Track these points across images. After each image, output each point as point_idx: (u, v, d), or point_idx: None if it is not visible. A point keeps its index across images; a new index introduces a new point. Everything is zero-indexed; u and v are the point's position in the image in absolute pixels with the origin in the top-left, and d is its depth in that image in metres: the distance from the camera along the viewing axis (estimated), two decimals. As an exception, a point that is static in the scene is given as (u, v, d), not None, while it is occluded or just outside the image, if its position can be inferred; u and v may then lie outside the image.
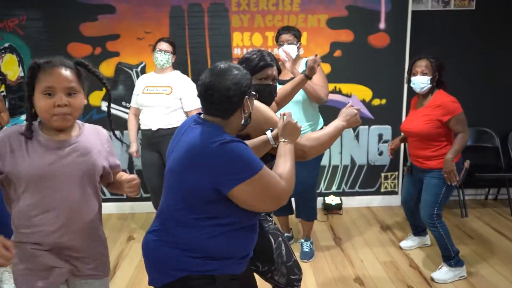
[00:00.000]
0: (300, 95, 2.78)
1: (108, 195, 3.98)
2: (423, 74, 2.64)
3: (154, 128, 3.17)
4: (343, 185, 4.06)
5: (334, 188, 4.05)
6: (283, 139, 1.55)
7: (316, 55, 2.44)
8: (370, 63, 3.78)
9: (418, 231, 3.16)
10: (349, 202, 4.04)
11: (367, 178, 4.04)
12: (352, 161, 4.01)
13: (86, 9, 3.61)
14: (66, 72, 1.40)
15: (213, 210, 1.40)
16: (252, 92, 1.52)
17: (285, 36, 2.85)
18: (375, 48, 3.76)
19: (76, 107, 1.44)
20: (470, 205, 4.02)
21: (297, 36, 2.89)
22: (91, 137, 1.56)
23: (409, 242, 3.18)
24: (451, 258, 2.72)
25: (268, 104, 1.86)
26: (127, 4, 3.62)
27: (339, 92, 3.85)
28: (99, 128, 1.66)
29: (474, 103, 3.91)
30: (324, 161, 3.95)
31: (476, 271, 2.85)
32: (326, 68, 3.77)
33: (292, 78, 2.63)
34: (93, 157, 1.52)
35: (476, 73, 3.94)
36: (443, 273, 2.74)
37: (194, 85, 3.19)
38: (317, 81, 2.80)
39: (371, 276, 2.83)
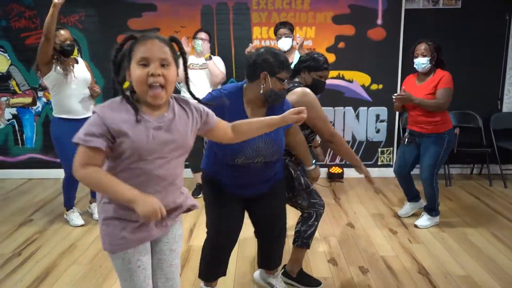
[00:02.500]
0: None
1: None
2: (423, 55, 3.18)
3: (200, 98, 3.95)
4: (345, 158, 4.74)
5: (337, 161, 4.74)
6: None
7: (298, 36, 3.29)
8: (369, 54, 4.44)
9: (412, 197, 3.61)
10: (350, 173, 4.71)
11: (366, 153, 4.71)
12: (353, 138, 4.69)
13: (133, 7, 4.40)
14: (160, 44, 1.39)
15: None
16: (279, 76, 1.91)
17: (282, 30, 3.56)
18: (374, 40, 4.43)
19: (170, 79, 1.40)
20: (456, 178, 4.65)
21: (292, 30, 3.59)
22: (180, 110, 1.53)
23: (405, 210, 3.63)
24: (433, 209, 3.36)
25: (316, 94, 2.39)
26: (167, 3, 4.39)
27: (342, 78, 4.53)
28: (184, 98, 1.61)
29: (460, 90, 4.51)
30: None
31: (448, 222, 3.49)
32: (331, 57, 4.46)
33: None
34: (185, 130, 1.51)
35: (461, 65, 4.55)
36: (424, 220, 3.38)
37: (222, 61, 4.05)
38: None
39: (361, 222, 3.51)
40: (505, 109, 4.68)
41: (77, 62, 3.39)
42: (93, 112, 1.38)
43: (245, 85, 2.02)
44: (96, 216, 3.59)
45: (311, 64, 2.40)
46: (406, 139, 3.42)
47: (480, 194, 4.17)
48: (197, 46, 3.93)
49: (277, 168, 2.18)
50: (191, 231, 3.38)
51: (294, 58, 3.57)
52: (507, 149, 4.49)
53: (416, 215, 3.55)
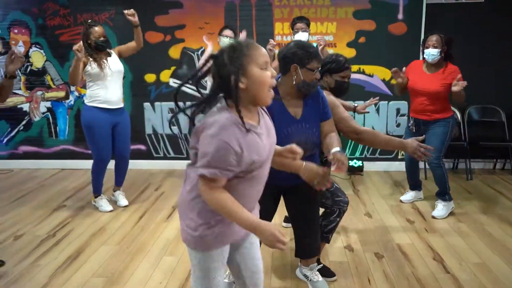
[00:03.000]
0: None
1: (172, 154, 4.96)
2: (434, 47, 3.29)
3: None
4: (365, 152, 4.80)
5: (357, 154, 4.81)
6: None
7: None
8: (390, 48, 4.48)
9: (416, 185, 3.77)
10: (370, 166, 4.77)
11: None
12: (373, 132, 4.73)
13: (160, 5, 4.59)
14: None
15: None
16: (309, 67, 1.98)
17: (299, 25, 3.65)
18: (394, 35, 4.47)
19: None
20: (478, 173, 4.63)
21: (308, 24, 3.68)
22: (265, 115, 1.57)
23: (408, 196, 3.79)
24: (446, 193, 3.44)
25: (340, 96, 2.50)
26: (192, 0, 4.55)
27: (363, 72, 4.59)
28: None
29: (483, 84, 4.53)
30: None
31: (466, 212, 3.52)
32: (352, 52, 4.53)
33: None
34: (271, 130, 1.57)
35: (484, 59, 4.53)
36: (440, 209, 3.45)
37: None
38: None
39: (379, 212, 3.58)
40: (529, 103, 4.63)
41: (109, 55, 3.58)
42: (213, 137, 1.35)
43: (279, 79, 2.11)
44: (121, 203, 3.79)
45: (332, 66, 2.47)
46: (413, 127, 3.53)
47: (502, 188, 4.16)
48: (222, 43, 4.07)
49: (313, 161, 2.21)
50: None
51: None
52: (531, 144, 4.44)
53: (432, 207, 3.58)
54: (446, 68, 3.33)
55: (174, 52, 4.70)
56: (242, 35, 4.10)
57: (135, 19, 3.59)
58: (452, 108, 3.55)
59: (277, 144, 1.64)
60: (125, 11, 3.57)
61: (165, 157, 4.99)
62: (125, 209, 3.73)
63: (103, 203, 3.73)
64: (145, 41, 4.64)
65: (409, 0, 4.39)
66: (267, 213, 2.19)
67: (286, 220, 3.34)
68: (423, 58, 3.46)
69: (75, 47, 3.20)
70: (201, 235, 1.50)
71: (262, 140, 1.45)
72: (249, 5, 4.54)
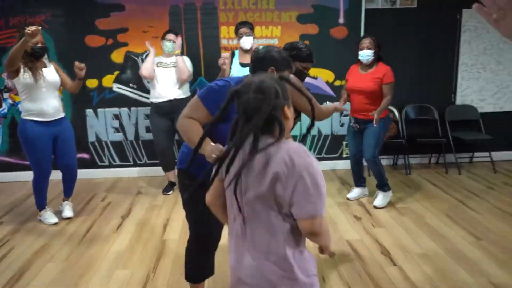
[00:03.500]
0: None
1: (118, 162, 4.80)
2: (368, 48, 3.56)
3: (171, 98, 4.03)
4: (312, 151, 4.94)
5: (304, 154, 4.93)
6: None
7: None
8: (332, 51, 4.65)
9: (361, 182, 3.98)
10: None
11: (331, 146, 4.93)
12: (319, 132, 4.89)
13: (101, 7, 4.42)
14: None
15: None
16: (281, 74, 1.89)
17: (243, 29, 3.72)
18: (336, 39, 4.64)
19: None
20: (415, 168, 4.94)
21: (252, 29, 3.76)
22: None
23: (354, 194, 3.98)
24: (384, 184, 3.71)
25: None
26: (135, 3, 4.44)
27: (307, 75, 4.72)
28: None
29: (418, 84, 4.84)
30: (296, 132, 4.81)
31: (407, 207, 3.75)
32: (297, 55, 4.63)
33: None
34: None
35: (418, 60, 4.84)
36: (379, 199, 3.73)
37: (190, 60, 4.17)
38: None
39: (327, 211, 3.71)
40: (458, 101, 5.01)
41: (45, 66, 3.39)
42: (317, 169, 1.28)
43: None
44: (65, 214, 3.62)
45: (295, 53, 2.49)
46: (355, 126, 3.74)
47: (437, 181, 4.46)
48: (165, 47, 4.01)
49: None
50: (164, 226, 3.47)
51: None
52: (460, 139, 4.81)
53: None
54: (378, 67, 3.62)
55: (117, 56, 4.56)
56: (178, 42, 4.05)
57: (82, 73, 3.44)
58: (390, 107, 3.80)
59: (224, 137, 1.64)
60: (76, 63, 3.41)
61: (110, 165, 4.82)
62: (70, 222, 3.56)
63: (48, 216, 3.54)
64: (86, 45, 4.49)
65: (349, 5, 4.58)
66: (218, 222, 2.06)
67: None
68: (358, 60, 3.69)
69: (31, 28, 2.85)
70: (312, 283, 1.35)
71: None
72: (194, 9, 4.51)
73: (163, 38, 4.04)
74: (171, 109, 4.04)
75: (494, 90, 5.01)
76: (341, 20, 4.62)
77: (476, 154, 5.12)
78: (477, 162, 5.10)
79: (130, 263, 2.86)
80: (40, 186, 3.49)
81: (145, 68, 4.02)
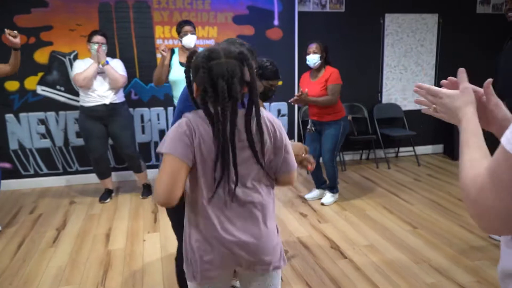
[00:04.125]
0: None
1: (45, 170, 4.43)
2: (314, 53, 3.63)
3: (107, 103, 3.78)
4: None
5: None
6: None
7: None
8: (268, 52, 4.69)
9: (320, 183, 4.03)
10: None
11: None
12: (258, 132, 4.93)
13: (20, 3, 4.05)
14: None
15: None
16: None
17: (187, 27, 3.62)
18: (271, 40, 4.73)
19: None
20: (349, 164, 5.20)
21: (194, 27, 3.69)
22: None
23: (313, 194, 4.02)
24: (334, 187, 3.85)
25: (265, 101, 2.58)
26: (60, -1, 4.13)
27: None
28: None
29: (348, 85, 5.07)
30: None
31: (348, 201, 3.93)
32: (234, 56, 4.64)
33: None
34: None
35: (347, 62, 5.10)
36: (327, 198, 3.87)
37: (122, 63, 3.93)
38: None
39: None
40: (384, 100, 5.37)
41: None
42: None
43: None
44: None
45: (261, 72, 2.45)
46: (312, 129, 3.80)
47: (370, 175, 4.74)
48: (94, 50, 3.75)
49: None
50: (107, 236, 3.27)
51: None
52: (387, 136, 5.15)
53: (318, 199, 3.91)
54: (325, 71, 3.69)
55: (41, 56, 4.20)
56: (101, 52, 3.73)
57: (17, 40, 3.12)
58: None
59: None
60: (7, 31, 3.06)
61: (36, 175, 4.43)
62: (-3, 239, 3.22)
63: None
64: (3, 44, 4.06)
65: (283, 7, 4.68)
66: None
67: None
68: (309, 68, 3.74)
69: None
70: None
71: None
72: (126, 7, 4.31)
73: (89, 40, 3.76)
74: (107, 113, 3.82)
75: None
76: (276, 22, 4.72)
77: (402, 149, 5.52)
78: (402, 157, 5.51)
79: (74, 279, 2.65)
80: None
81: (85, 78, 3.69)
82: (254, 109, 1.34)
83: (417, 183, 4.45)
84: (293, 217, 3.58)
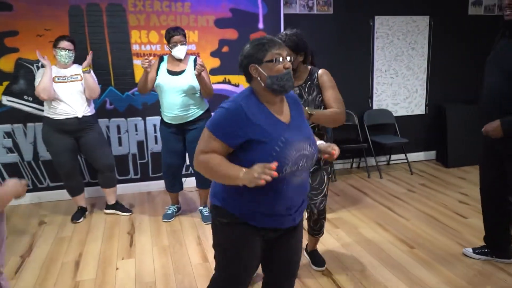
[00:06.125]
0: (188, 86, 3.34)
1: (13, 187, 4.09)
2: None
3: (79, 116, 3.48)
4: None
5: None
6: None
7: (201, 61, 3.21)
8: (253, 57, 4.46)
9: None
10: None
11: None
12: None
13: (-19, 6, 3.72)
14: None
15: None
16: (267, 59, 1.61)
17: (177, 37, 3.32)
18: (256, 44, 4.45)
19: None
20: (339, 173, 4.96)
21: (185, 35, 3.40)
22: None
23: None
24: None
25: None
26: (25, 2, 3.80)
27: (228, 82, 4.48)
28: None
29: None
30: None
31: (340, 217, 3.68)
32: (216, 62, 4.37)
33: (182, 71, 3.36)
34: None
35: (336, 67, 4.85)
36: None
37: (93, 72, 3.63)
38: (208, 80, 3.39)
39: (260, 228, 3.50)
40: (375, 106, 5.14)
41: None
42: None
43: (252, 88, 1.71)
44: None
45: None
46: None
47: (362, 186, 4.51)
48: (60, 57, 3.43)
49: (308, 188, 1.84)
50: (76, 263, 2.97)
51: (188, 64, 3.40)
52: (379, 143, 4.93)
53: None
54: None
55: (6, 64, 3.87)
56: (88, 58, 3.50)
57: None
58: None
59: (279, 156, 1.59)
60: None
61: (3, 192, 4.09)
62: None
63: None
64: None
65: (268, 9, 4.42)
66: (253, 267, 1.81)
67: None
68: None
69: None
70: None
71: None
72: (99, 10, 4.00)
73: (55, 46, 3.43)
74: (79, 127, 3.51)
75: (406, 95, 5.24)
76: (260, 25, 4.45)
77: (394, 156, 5.30)
78: (394, 164, 5.29)
79: (34, 319, 2.35)
80: None
81: (44, 90, 3.34)
82: None
83: (411, 194, 4.23)
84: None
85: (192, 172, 4.23)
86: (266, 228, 1.70)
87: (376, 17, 4.92)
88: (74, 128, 3.50)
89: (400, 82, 5.18)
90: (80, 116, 3.48)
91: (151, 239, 3.34)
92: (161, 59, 3.47)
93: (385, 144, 4.92)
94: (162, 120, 3.51)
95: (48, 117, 3.51)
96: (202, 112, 3.46)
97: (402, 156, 5.09)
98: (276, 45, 1.65)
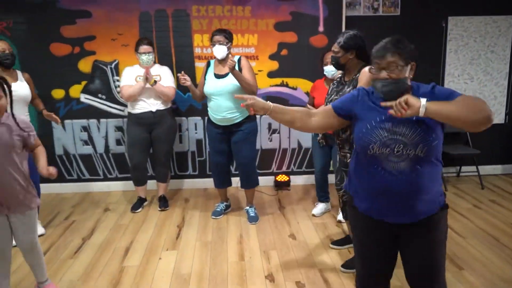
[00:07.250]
0: (233, 87, 3.44)
1: (87, 176, 4.56)
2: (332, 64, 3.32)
3: (153, 110, 3.81)
4: (292, 165, 4.72)
5: (284, 168, 4.71)
6: None
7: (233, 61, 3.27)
8: (312, 60, 4.42)
9: (325, 197, 3.87)
10: (297, 180, 4.70)
11: (311, 159, 4.69)
12: (299, 145, 4.67)
13: (66, 14, 4.18)
14: None
15: None
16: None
17: (217, 37, 3.44)
18: (316, 47, 4.41)
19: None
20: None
21: (228, 37, 3.47)
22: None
23: (318, 209, 3.84)
24: (327, 197, 3.85)
25: None
26: (102, 9, 4.20)
27: (286, 85, 4.50)
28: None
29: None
30: (275, 145, 4.61)
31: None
32: (274, 65, 4.42)
33: (227, 74, 3.44)
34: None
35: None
36: (319, 208, 3.85)
37: (170, 71, 3.97)
38: (248, 77, 3.44)
39: (303, 231, 3.48)
40: (444, 113, 4.79)
41: (16, 79, 3.27)
42: None
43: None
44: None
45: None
46: (324, 142, 3.49)
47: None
48: (142, 61, 3.75)
49: (433, 182, 1.69)
50: (126, 250, 3.23)
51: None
52: (446, 153, 4.58)
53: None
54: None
55: (85, 65, 4.32)
56: (145, 73, 3.72)
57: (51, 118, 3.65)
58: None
59: (361, 133, 1.76)
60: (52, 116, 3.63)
61: (79, 179, 4.57)
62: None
63: None
64: (51, 54, 4.26)
65: (329, 12, 4.36)
66: (378, 267, 1.91)
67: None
68: (324, 75, 3.51)
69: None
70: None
71: None
72: (165, 15, 4.27)
73: (137, 50, 3.75)
74: (153, 120, 3.84)
75: (482, 101, 4.81)
76: (320, 28, 4.40)
77: (464, 167, 4.91)
78: (465, 177, 4.90)
79: (80, 297, 2.62)
80: None
81: (129, 97, 3.74)
82: None
83: (476, 210, 3.89)
84: (322, 244, 3.27)
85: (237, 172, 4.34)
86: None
87: (450, 17, 4.59)
88: (149, 121, 3.83)
89: (475, 88, 4.78)
90: (154, 110, 3.79)
91: (197, 234, 3.50)
92: (208, 64, 3.61)
93: (453, 155, 4.58)
94: (209, 120, 3.66)
95: (130, 112, 3.89)
96: (247, 114, 3.53)
97: (474, 168, 4.69)
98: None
